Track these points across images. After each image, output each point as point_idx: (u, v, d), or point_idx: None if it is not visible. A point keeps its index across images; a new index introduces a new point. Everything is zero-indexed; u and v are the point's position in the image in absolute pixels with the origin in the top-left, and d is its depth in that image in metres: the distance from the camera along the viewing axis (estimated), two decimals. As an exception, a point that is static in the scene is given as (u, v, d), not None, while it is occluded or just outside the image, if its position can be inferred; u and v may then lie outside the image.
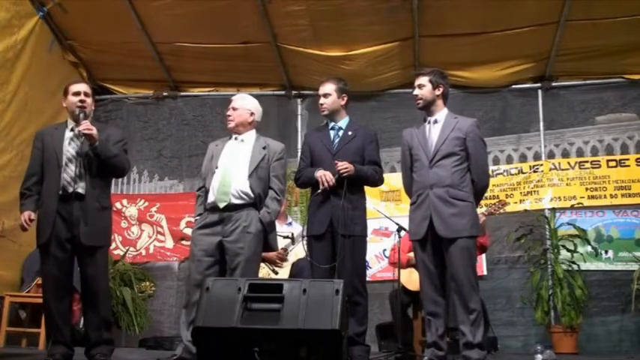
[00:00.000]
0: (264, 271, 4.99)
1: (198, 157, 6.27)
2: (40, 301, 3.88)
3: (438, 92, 3.81)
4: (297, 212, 6.54)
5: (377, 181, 4.14)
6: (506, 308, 6.16)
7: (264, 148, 3.98)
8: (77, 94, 3.78)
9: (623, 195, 6.14)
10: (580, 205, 6.19)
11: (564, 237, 5.98)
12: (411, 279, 4.92)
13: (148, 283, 6.24)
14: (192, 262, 3.86)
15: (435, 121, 3.81)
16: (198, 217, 3.97)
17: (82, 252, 3.66)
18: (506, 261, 6.29)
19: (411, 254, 4.66)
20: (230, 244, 3.77)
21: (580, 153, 6.45)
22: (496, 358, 5.17)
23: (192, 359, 3.63)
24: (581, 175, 6.25)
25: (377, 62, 6.34)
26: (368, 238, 4.13)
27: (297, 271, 5.04)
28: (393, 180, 6.30)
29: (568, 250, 5.89)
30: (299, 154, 5.24)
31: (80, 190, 3.65)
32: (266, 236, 3.87)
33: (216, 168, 3.93)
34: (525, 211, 6.27)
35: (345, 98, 4.16)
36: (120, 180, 6.80)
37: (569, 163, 6.33)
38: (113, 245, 6.29)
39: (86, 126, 3.62)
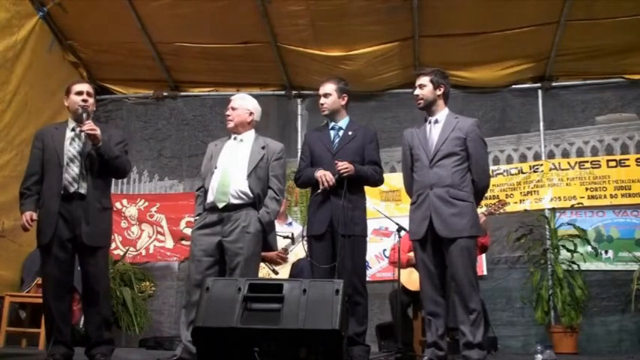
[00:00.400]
0: (264, 271, 4.99)
1: (198, 157, 6.27)
2: (40, 301, 3.87)
3: (439, 92, 3.81)
4: (297, 212, 6.54)
5: (377, 181, 4.14)
6: (506, 308, 6.16)
7: (263, 147, 3.98)
8: (80, 93, 3.77)
9: (623, 195, 6.14)
10: (580, 205, 6.19)
11: (564, 237, 5.98)
12: (411, 279, 4.92)
13: (148, 283, 6.24)
14: (192, 262, 3.86)
15: (436, 121, 3.81)
16: (197, 217, 3.97)
17: (83, 252, 3.66)
18: (506, 261, 6.29)
19: (411, 254, 4.66)
20: (229, 244, 3.77)
21: (580, 153, 6.45)
22: (496, 358, 5.17)
23: (192, 359, 3.63)
24: (581, 175, 6.25)
25: (377, 62, 6.34)
26: (368, 238, 4.13)
27: (297, 271, 5.04)
28: (393, 180, 6.30)
29: (568, 250, 5.89)
30: (299, 154, 5.24)
31: (82, 191, 3.65)
32: (265, 236, 3.87)
33: (215, 168, 3.93)
34: (525, 211, 6.27)
35: (346, 98, 4.16)
36: (120, 180, 6.79)
37: (569, 163, 6.33)
38: (113, 245, 6.29)
39: (90, 126, 3.62)
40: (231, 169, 3.89)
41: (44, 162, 3.73)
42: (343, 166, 3.88)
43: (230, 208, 3.81)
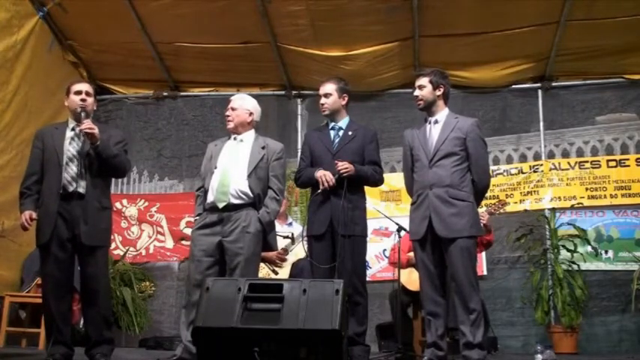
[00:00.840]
0: (264, 271, 5.00)
1: (198, 157, 6.27)
2: (40, 301, 3.88)
3: (438, 92, 3.81)
4: (297, 212, 6.54)
5: (377, 181, 4.14)
6: (506, 308, 6.16)
7: (263, 147, 3.98)
8: (79, 93, 3.78)
9: (623, 195, 6.14)
10: (580, 205, 6.19)
11: (564, 237, 5.98)
12: (411, 279, 4.92)
13: (148, 283, 6.24)
14: (192, 262, 3.86)
15: (436, 122, 3.81)
16: (197, 218, 3.97)
17: (83, 252, 3.66)
18: (506, 261, 6.29)
19: (411, 254, 4.66)
20: (229, 244, 3.77)
21: (580, 153, 6.45)
22: (496, 358, 5.17)
23: (192, 359, 3.63)
24: (581, 175, 6.25)
25: (377, 62, 6.34)
26: (368, 238, 4.14)
27: (297, 271, 5.04)
28: (393, 180, 6.30)
29: (568, 250, 5.89)
30: (299, 154, 5.24)
31: (81, 190, 3.65)
32: (265, 236, 3.87)
33: (215, 168, 3.94)
34: (525, 211, 6.27)
35: (346, 98, 4.16)
36: (120, 180, 6.80)
37: (569, 163, 6.33)
38: (113, 245, 6.29)
39: (88, 125, 3.62)
40: (231, 169, 3.89)
41: (44, 162, 3.74)
42: (343, 166, 3.88)
43: (230, 208, 3.81)
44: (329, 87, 4.12)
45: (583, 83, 6.50)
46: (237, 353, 2.95)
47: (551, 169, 6.32)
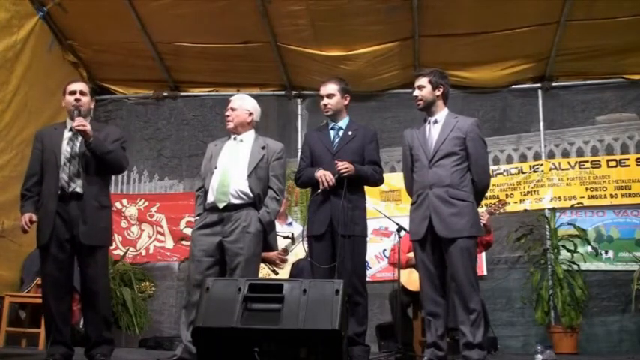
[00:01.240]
0: (264, 272, 5.00)
1: (198, 157, 6.27)
2: (40, 301, 3.88)
3: (438, 92, 3.80)
4: (297, 212, 6.53)
5: (377, 181, 4.14)
6: (506, 308, 6.16)
7: (262, 148, 3.98)
8: (73, 93, 3.79)
9: (623, 195, 6.14)
10: (580, 205, 6.19)
11: (564, 237, 5.98)
12: (411, 279, 4.92)
13: (148, 283, 6.24)
14: (192, 263, 3.86)
15: (436, 122, 3.81)
16: (197, 218, 3.97)
17: (82, 252, 3.67)
18: (506, 261, 6.29)
19: (411, 254, 4.66)
20: (230, 244, 3.77)
21: (580, 153, 6.45)
22: (496, 358, 5.17)
23: (192, 359, 3.63)
24: (581, 175, 6.24)
25: (377, 62, 6.34)
26: (368, 238, 4.14)
27: (297, 271, 5.04)
28: (393, 180, 6.30)
29: (568, 250, 5.89)
30: (299, 154, 5.24)
31: (78, 190, 3.65)
32: (265, 236, 3.87)
33: (215, 168, 3.94)
34: (525, 211, 6.27)
35: (348, 98, 4.17)
36: (120, 180, 6.81)
37: (569, 163, 6.33)
38: (113, 245, 6.27)
39: (79, 122, 3.63)
40: (231, 169, 3.89)
41: (43, 162, 3.74)
42: (343, 166, 3.88)
43: (230, 208, 3.81)
44: (332, 87, 4.11)
45: (583, 83, 6.49)
46: (237, 353, 2.95)
47: (551, 169, 6.32)
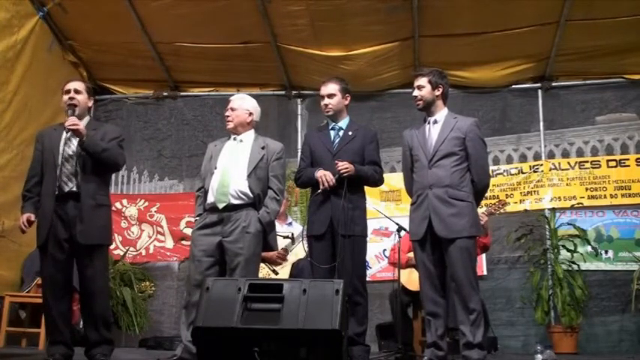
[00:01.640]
0: (264, 271, 4.99)
1: (198, 157, 6.27)
2: (40, 301, 3.88)
3: (437, 92, 3.80)
4: (297, 212, 6.54)
5: (377, 181, 4.14)
6: (506, 308, 6.16)
7: (262, 148, 3.98)
8: (67, 92, 3.80)
9: (623, 195, 6.14)
10: (580, 205, 6.19)
11: (564, 237, 5.98)
12: (411, 279, 4.92)
13: (148, 283, 6.24)
14: (192, 263, 3.86)
15: (435, 122, 3.81)
16: (197, 218, 3.97)
17: (80, 251, 3.66)
18: (506, 261, 6.29)
19: (411, 254, 4.66)
20: (230, 244, 3.77)
21: (580, 153, 6.45)
22: (496, 358, 5.17)
23: (192, 359, 3.63)
24: (581, 175, 6.25)
25: (377, 62, 6.34)
26: (368, 238, 4.13)
27: (297, 271, 5.04)
28: (393, 180, 6.30)
29: (568, 250, 5.89)
30: (299, 154, 5.24)
31: (75, 189, 3.65)
32: (265, 236, 3.87)
33: (215, 168, 3.94)
34: (525, 211, 6.27)
35: (349, 98, 4.17)
36: (120, 180, 6.82)
37: (569, 163, 6.33)
38: (113, 245, 6.28)
39: (71, 121, 3.62)
40: (231, 169, 3.89)
41: (43, 163, 3.74)
42: (343, 166, 3.88)
43: (230, 208, 3.81)
44: (332, 87, 4.11)
45: (583, 83, 6.50)
46: (237, 353, 2.95)
47: (551, 169, 6.33)
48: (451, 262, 3.59)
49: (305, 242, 4.14)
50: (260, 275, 4.41)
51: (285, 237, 5.01)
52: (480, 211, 4.31)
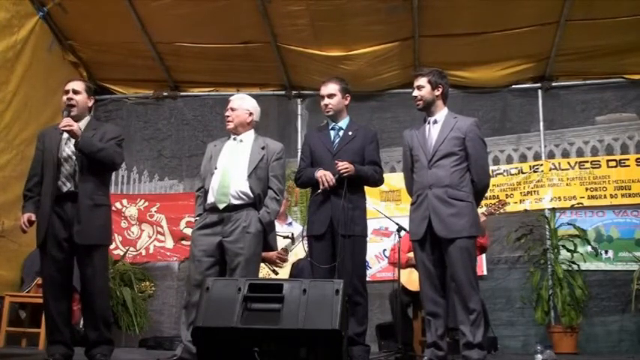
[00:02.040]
0: (264, 272, 5.00)
1: (198, 157, 6.26)
2: (40, 301, 3.88)
3: (437, 92, 3.80)
4: (297, 212, 6.54)
5: (377, 181, 4.14)
6: (506, 308, 6.16)
7: (262, 148, 3.98)
8: (66, 92, 3.80)
9: (623, 195, 6.14)
10: (580, 205, 6.19)
11: (564, 237, 5.98)
12: (411, 279, 4.92)
13: (148, 283, 6.24)
14: (192, 263, 3.86)
15: (435, 122, 3.81)
16: (198, 218, 3.97)
17: (79, 252, 3.67)
18: (506, 261, 6.29)
19: (411, 254, 4.66)
20: (230, 244, 3.77)
21: (580, 153, 6.45)
22: (496, 358, 5.17)
23: (192, 359, 3.63)
24: (581, 175, 6.25)
25: (377, 62, 6.34)
26: (368, 238, 4.13)
27: (297, 271, 5.04)
28: (393, 180, 6.30)
29: (568, 250, 5.89)
30: (299, 154, 5.24)
31: (73, 189, 3.65)
32: (266, 236, 3.87)
33: (215, 169, 3.94)
34: (525, 211, 6.27)
35: (349, 98, 4.17)
36: (120, 180, 6.82)
37: (569, 163, 6.33)
38: (113, 245, 6.28)
39: (65, 122, 3.62)
40: (232, 169, 3.89)
41: (43, 163, 3.74)
42: (343, 166, 3.88)
43: (231, 208, 3.82)
44: (332, 87, 4.11)
45: (583, 83, 6.50)
46: (237, 353, 2.95)
47: (551, 169, 6.32)
48: (451, 262, 3.59)
49: (305, 242, 4.14)
50: (260, 275, 4.41)
51: (285, 237, 5.01)
52: (480, 211, 4.31)
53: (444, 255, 3.63)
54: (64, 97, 3.78)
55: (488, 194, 4.86)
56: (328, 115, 4.15)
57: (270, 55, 6.39)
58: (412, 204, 3.82)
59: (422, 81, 3.80)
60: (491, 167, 6.12)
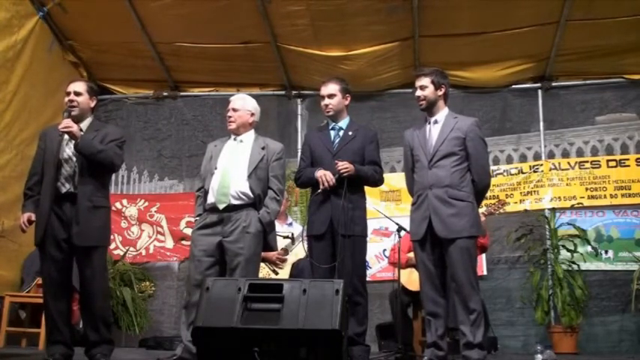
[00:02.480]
0: (264, 272, 5.00)
1: (198, 157, 6.26)
2: (40, 301, 3.88)
3: (440, 92, 3.80)
4: (297, 212, 6.54)
5: (377, 181, 4.14)
6: (506, 308, 6.16)
7: (262, 148, 3.98)
8: (68, 94, 3.80)
9: (623, 195, 6.14)
10: (580, 205, 6.19)
11: (564, 237, 5.98)
12: (411, 279, 4.92)
13: (148, 283, 6.24)
14: (192, 263, 3.86)
15: (436, 122, 3.81)
16: (198, 218, 3.97)
17: (78, 252, 3.66)
18: (506, 261, 6.29)
19: (411, 254, 4.66)
20: (230, 244, 3.77)
21: (580, 153, 6.45)
22: (496, 358, 5.17)
23: (192, 359, 3.63)
24: (581, 175, 6.25)
25: (377, 62, 6.34)
26: (368, 238, 4.13)
27: (297, 271, 5.04)
28: (393, 180, 6.30)
29: (568, 250, 5.89)
30: (299, 154, 5.24)
31: (72, 190, 3.65)
32: (266, 236, 3.87)
33: (215, 169, 3.94)
34: (525, 211, 6.27)
35: (349, 98, 4.17)
36: (120, 180, 6.82)
37: (569, 163, 6.33)
38: (113, 245, 6.29)
39: (64, 124, 3.62)
40: (232, 169, 3.89)
41: (44, 162, 3.74)
42: (343, 166, 3.88)
43: (231, 208, 3.82)
44: (333, 87, 4.11)
45: (583, 83, 6.49)
46: (237, 353, 2.95)
47: (551, 169, 6.32)
48: (451, 263, 3.59)
49: (305, 242, 4.14)
50: (260, 275, 4.41)
51: (285, 237, 5.01)
52: (480, 211, 4.31)
53: (445, 255, 3.63)
54: (66, 99, 3.78)
55: (488, 194, 4.86)
56: (328, 115, 4.15)
57: (270, 55, 6.40)
58: (413, 204, 3.82)
59: (425, 81, 3.79)
60: (492, 167, 6.10)
